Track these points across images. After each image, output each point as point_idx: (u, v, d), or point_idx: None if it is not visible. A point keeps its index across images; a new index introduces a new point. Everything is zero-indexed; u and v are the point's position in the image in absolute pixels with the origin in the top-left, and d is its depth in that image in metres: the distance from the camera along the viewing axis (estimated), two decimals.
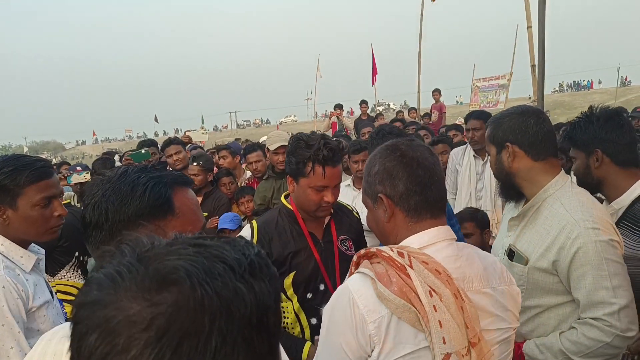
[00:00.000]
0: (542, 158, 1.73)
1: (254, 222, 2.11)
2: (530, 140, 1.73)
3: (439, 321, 1.05)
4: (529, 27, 7.31)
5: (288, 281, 1.99)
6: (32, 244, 1.78)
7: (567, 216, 1.64)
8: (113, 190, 1.01)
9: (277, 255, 1.99)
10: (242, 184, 4.77)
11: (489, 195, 3.75)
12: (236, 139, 12.26)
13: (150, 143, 5.56)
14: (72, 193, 4.73)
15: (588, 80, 71.16)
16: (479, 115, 3.86)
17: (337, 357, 1.15)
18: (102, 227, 1.01)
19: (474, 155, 3.89)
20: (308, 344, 1.95)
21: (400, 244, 1.24)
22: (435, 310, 1.06)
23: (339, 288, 1.22)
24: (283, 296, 1.98)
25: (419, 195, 1.23)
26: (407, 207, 1.24)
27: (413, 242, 1.22)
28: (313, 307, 2.02)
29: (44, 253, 1.84)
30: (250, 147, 4.56)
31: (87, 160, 46.50)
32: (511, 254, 1.81)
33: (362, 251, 1.25)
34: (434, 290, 1.09)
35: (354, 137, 9.40)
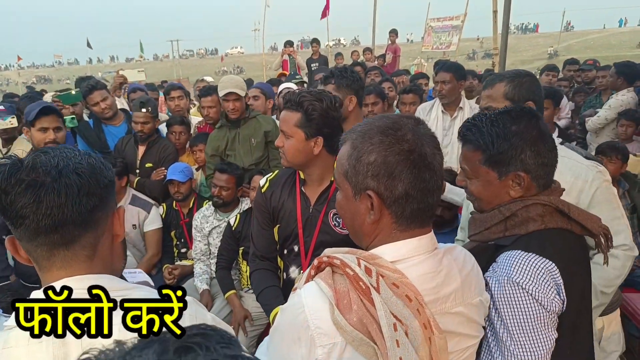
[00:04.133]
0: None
1: (276, 171, 2.23)
2: (539, 100, 1.90)
3: (400, 357, 0.92)
4: None
5: (276, 230, 2.13)
6: None
7: (577, 165, 1.85)
8: None
9: (273, 205, 2.10)
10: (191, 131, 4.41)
11: (455, 152, 3.67)
12: (163, 81, 11.37)
13: (98, 86, 4.04)
14: None
15: (534, 24, 72.45)
16: (449, 68, 3.67)
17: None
18: None
19: (442, 111, 3.74)
20: (277, 309, 1.97)
21: (372, 251, 1.06)
22: (398, 346, 0.92)
23: (295, 294, 1.06)
24: None
25: (418, 203, 1.03)
26: (399, 214, 1.04)
27: (386, 252, 1.04)
28: (285, 263, 2.14)
29: None
30: (205, 91, 4.09)
31: (12, 88, 42.64)
32: None
33: (325, 257, 1.05)
34: (400, 321, 0.94)
35: (305, 77, 9.05)
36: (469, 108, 3.75)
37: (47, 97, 5.35)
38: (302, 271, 2.05)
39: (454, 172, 3.02)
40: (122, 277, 1.11)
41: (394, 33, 10.26)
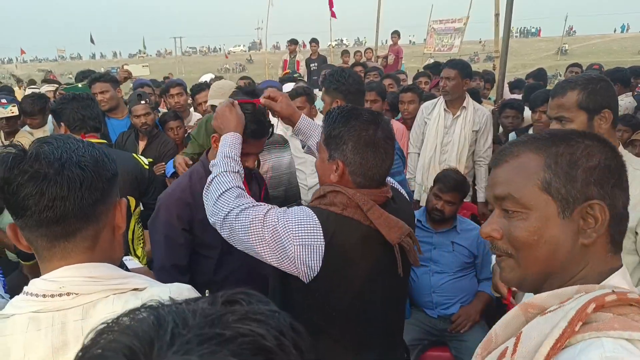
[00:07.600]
0: (615, 125, 1.78)
1: None
2: (615, 107, 1.78)
3: None
4: None
5: None
6: None
7: None
8: None
9: None
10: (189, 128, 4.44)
11: (455, 151, 3.66)
12: (165, 77, 11.34)
13: (102, 78, 4.09)
14: None
15: (536, 28, 72.48)
16: (455, 65, 3.66)
17: None
18: None
19: (444, 109, 3.73)
20: None
21: (602, 284, 0.83)
22: None
23: None
24: None
25: (625, 224, 0.85)
26: (614, 235, 0.84)
27: (622, 282, 0.83)
28: None
29: None
30: (199, 87, 4.23)
31: (14, 81, 42.53)
32: None
33: (608, 294, 0.75)
34: None
35: (305, 77, 9.04)
36: (472, 108, 3.70)
37: (44, 88, 5.37)
38: None
39: (459, 172, 3.03)
40: (121, 266, 1.12)
41: (396, 35, 10.23)
